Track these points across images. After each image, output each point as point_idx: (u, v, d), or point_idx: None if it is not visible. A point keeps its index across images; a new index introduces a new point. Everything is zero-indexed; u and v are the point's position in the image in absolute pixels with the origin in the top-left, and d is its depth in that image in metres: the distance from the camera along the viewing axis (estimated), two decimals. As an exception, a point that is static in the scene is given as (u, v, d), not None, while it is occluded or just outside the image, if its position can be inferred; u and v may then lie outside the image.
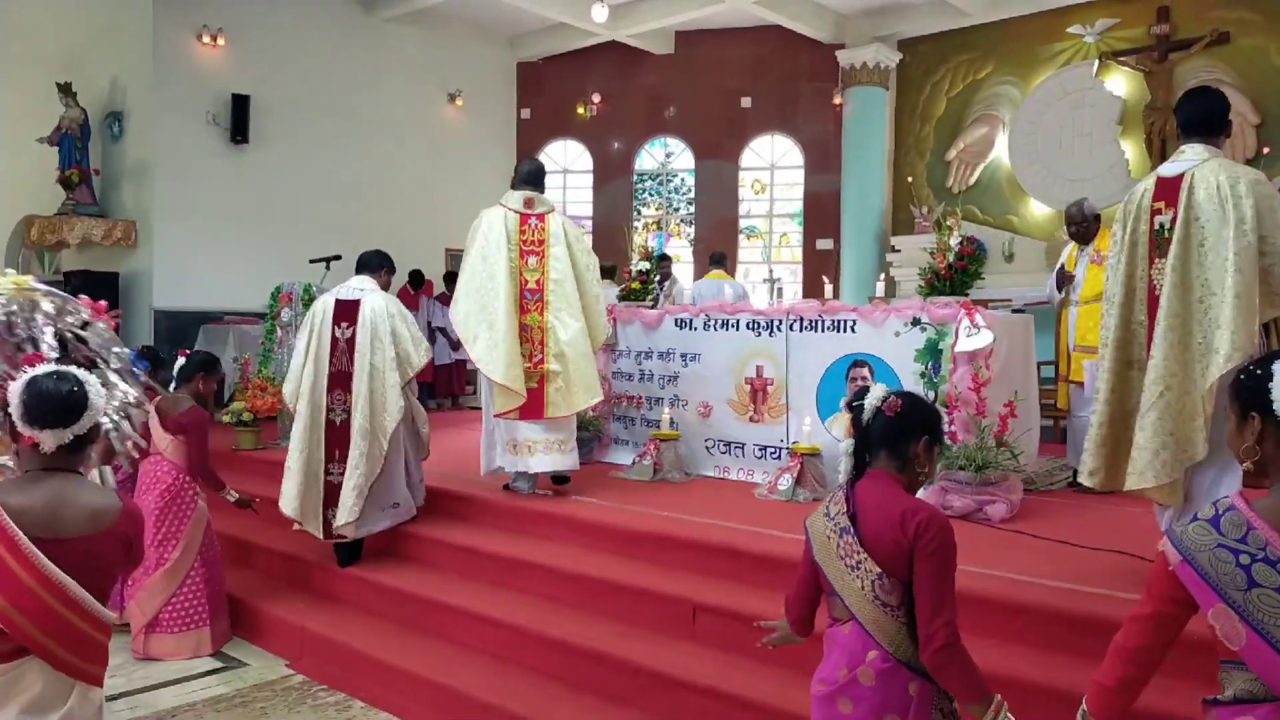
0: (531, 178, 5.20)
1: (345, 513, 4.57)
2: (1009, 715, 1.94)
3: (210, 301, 8.94)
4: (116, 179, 9.26)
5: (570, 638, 3.85)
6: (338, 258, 7.76)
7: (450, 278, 10.32)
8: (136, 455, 2.62)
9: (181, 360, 4.65)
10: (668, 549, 4.25)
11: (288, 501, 4.65)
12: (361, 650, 4.23)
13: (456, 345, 10.06)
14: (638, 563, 4.24)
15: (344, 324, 4.72)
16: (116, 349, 2.63)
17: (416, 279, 9.85)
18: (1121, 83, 9.40)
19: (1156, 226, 3.22)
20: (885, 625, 2.01)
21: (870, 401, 2.12)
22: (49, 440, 2.06)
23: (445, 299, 10.12)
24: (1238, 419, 1.65)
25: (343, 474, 4.59)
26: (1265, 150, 8.50)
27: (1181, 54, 9.01)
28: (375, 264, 5.03)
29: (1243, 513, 1.55)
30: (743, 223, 11.94)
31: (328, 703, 4.05)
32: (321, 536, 4.68)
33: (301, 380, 4.71)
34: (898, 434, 2.09)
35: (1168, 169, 3.26)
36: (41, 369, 2.14)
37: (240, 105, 9.34)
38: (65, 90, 8.95)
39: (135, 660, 4.45)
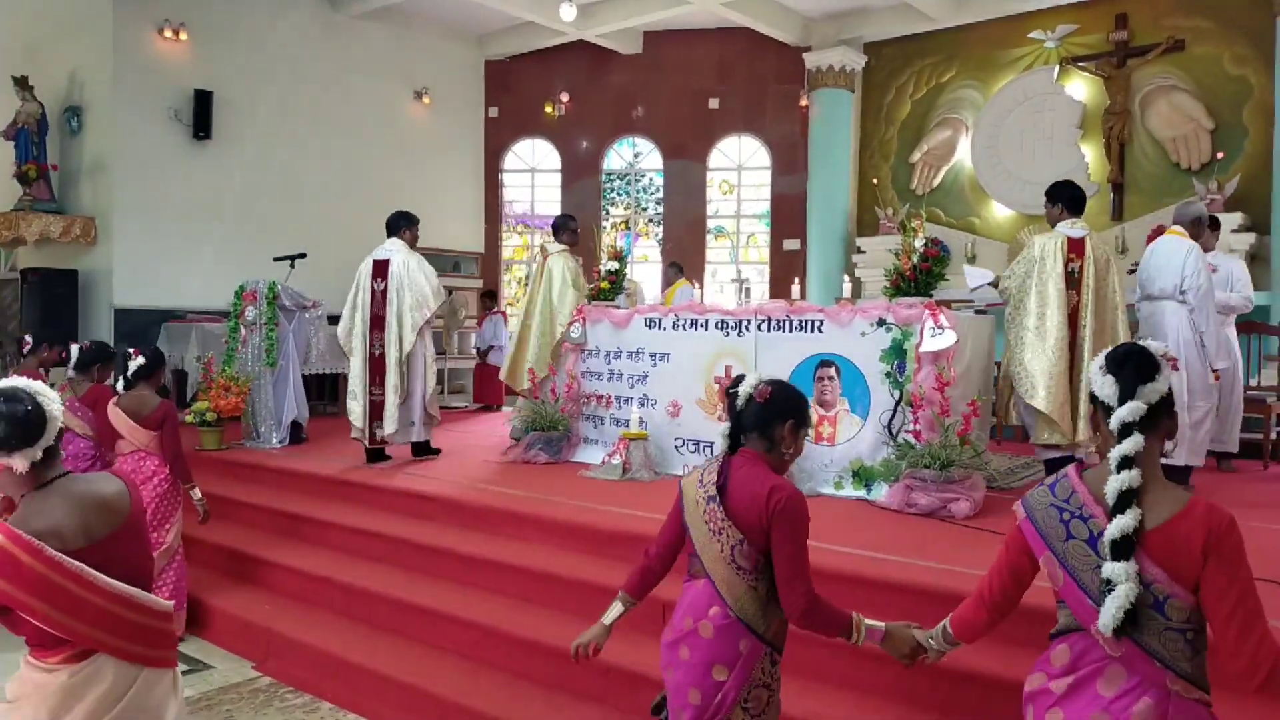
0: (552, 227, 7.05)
1: (389, 423, 5.99)
2: (866, 621, 2.25)
3: (172, 300, 8.79)
4: (75, 175, 9.07)
5: (541, 637, 3.85)
6: (302, 255, 7.68)
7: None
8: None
9: (140, 361, 4.57)
10: (637, 547, 4.25)
11: (355, 418, 6.07)
12: (329, 651, 4.20)
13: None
14: (607, 561, 4.24)
15: (379, 279, 6.17)
16: None
17: None
18: (1081, 87, 9.57)
19: (1070, 270, 4.95)
20: (735, 585, 2.24)
21: (744, 389, 2.35)
22: (20, 462, 2.04)
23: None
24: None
25: (383, 395, 6.02)
26: (1219, 155, 8.71)
27: (1139, 60, 9.20)
28: (398, 225, 6.37)
29: (1071, 479, 1.88)
30: (710, 223, 11.99)
31: (295, 704, 4.02)
32: (367, 444, 6.06)
33: (353, 324, 6.19)
34: (767, 418, 2.31)
35: (1074, 233, 5.01)
36: None
37: (203, 101, 9.19)
38: (21, 84, 8.75)
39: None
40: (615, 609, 2.50)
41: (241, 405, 6.77)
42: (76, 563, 1.97)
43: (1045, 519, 1.88)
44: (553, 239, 7.02)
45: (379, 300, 6.13)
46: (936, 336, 4.69)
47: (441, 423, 6.62)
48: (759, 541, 2.22)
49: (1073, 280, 4.94)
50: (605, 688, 3.59)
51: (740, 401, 2.34)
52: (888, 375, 4.88)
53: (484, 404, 10.18)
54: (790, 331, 5.32)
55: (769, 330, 5.41)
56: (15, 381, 2.12)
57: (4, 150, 8.79)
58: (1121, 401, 1.82)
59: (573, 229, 7.02)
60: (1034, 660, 1.98)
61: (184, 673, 4.34)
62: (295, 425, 7.09)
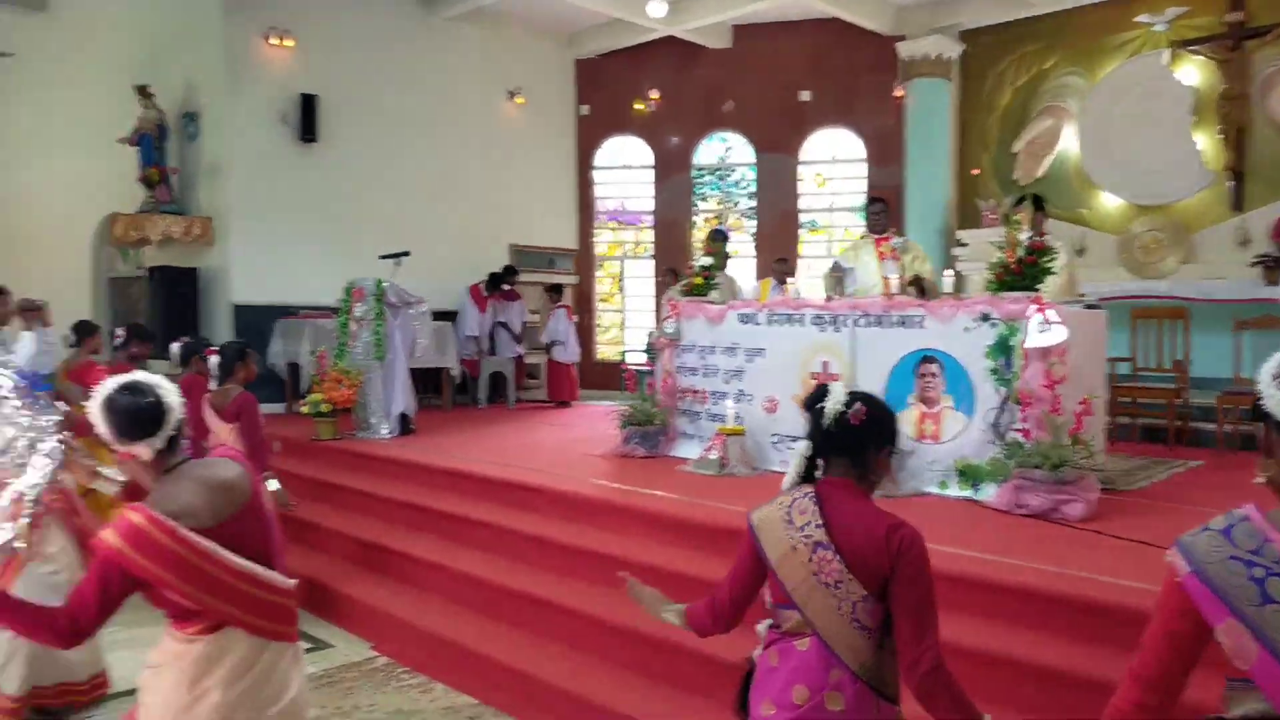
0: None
1: None
2: None
3: (286, 296, 9.18)
4: (193, 177, 9.56)
5: (643, 627, 3.91)
6: (406, 253, 7.95)
7: (509, 271, 10.50)
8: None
9: (214, 358, 4.80)
10: (737, 543, 4.30)
11: None
12: (440, 635, 4.37)
13: (519, 339, 10.27)
14: (705, 554, 4.29)
15: None
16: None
17: (493, 282, 10.10)
18: (1194, 72, 9.16)
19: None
20: (858, 646, 1.89)
21: (832, 406, 2.00)
22: (145, 451, 2.17)
23: (507, 295, 10.29)
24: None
25: None
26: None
27: (1257, 41, 8.75)
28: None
29: (1257, 524, 1.46)
30: (804, 216, 11.90)
31: (410, 684, 4.20)
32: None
33: None
34: (862, 442, 1.99)
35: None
36: (114, 383, 2.22)
37: (308, 104, 9.55)
38: (143, 92, 9.24)
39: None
40: (673, 617, 2.29)
41: (353, 397, 7.05)
42: (207, 541, 2.10)
43: (1223, 575, 1.44)
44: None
45: None
46: (1044, 332, 4.58)
47: (538, 416, 6.72)
48: (879, 591, 1.89)
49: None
50: (708, 680, 3.64)
51: (828, 421, 2.00)
52: (993, 372, 4.80)
53: (557, 399, 10.32)
54: (889, 327, 5.27)
55: (866, 325, 5.37)
56: (137, 375, 2.26)
57: (130, 156, 9.31)
58: None
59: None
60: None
61: (306, 650, 4.58)
62: (403, 417, 7.35)
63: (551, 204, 12.15)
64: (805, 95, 11.52)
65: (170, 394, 2.22)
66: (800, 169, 11.78)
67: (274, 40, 9.38)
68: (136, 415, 2.15)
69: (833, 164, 11.74)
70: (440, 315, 9.34)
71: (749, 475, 5.54)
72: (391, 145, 10.23)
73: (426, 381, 9.15)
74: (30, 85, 11.61)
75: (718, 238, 7.35)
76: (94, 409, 2.17)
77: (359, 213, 9.81)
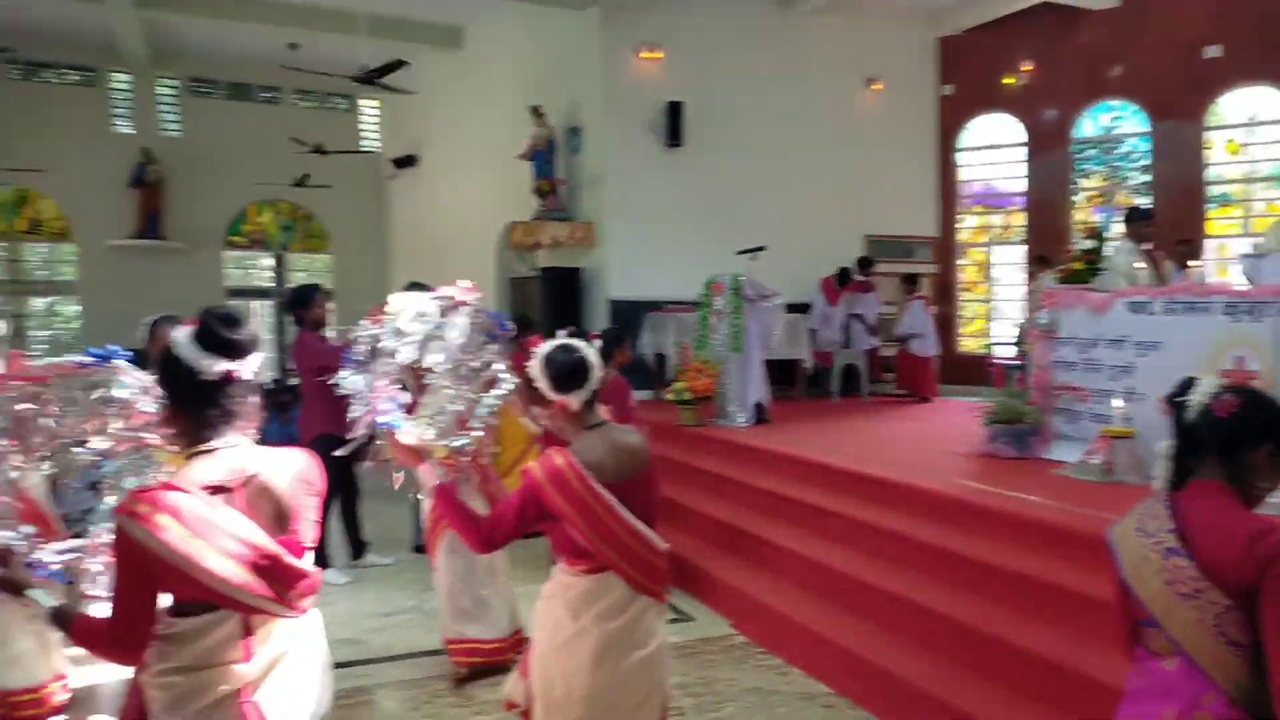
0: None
1: None
2: None
3: (654, 292, 9.86)
4: (578, 187, 10.60)
5: (1010, 637, 3.71)
6: (762, 248, 8.18)
7: (864, 263, 10.34)
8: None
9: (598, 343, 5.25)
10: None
11: None
12: (798, 621, 4.47)
13: (874, 331, 10.10)
14: (1084, 567, 3.93)
15: None
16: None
17: (844, 275, 10.06)
18: None
19: None
20: (1229, 665, 1.67)
21: (1197, 397, 1.80)
22: (574, 401, 2.53)
23: (862, 286, 10.16)
24: None
25: None
26: None
27: None
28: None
29: None
30: (1211, 190, 10.33)
31: (767, 665, 4.35)
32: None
33: None
34: (1234, 439, 1.76)
35: None
36: (551, 344, 2.62)
37: (674, 112, 10.13)
38: (536, 112, 10.43)
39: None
40: None
41: (713, 386, 7.42)
42: (608, 493, 2.44)
43: None
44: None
45: None
46: None
47: (893, 411, 6.57)
48: (1245, 603, 1.68)
49: None
50: (1064, 693, 3.37)
51: (1193, 415, 1.81)
52: None
53: (910, 393, 9.92)
54: (1328, 317, 4.43)
55: (1297, 315, 4.56)
56: (563, 339, 2.65)
57: (524, 170, 10.57)
58: None
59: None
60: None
61: (670, 620, 4.92)
62: (758, 406, 7.59)
63: (910, 191, 11.75)
64: (1213, 51, 9.97)
65: (594, 356, 2.59)
66: (1207, 135, 10.23)
67: (645, 54, 10.09)
68: (570, 368, 2.53)
69: (1251, 127, 10.05)
70: (794, 308, 9.46)
71: (1138, 484, 4.96)
72: (750, 144, 10.53)
73: (780, 372, 9.33)
74: (448, 115, 13.68)
75: (1137, 216, 6.45)
76: (535, 365, 2.57)
77: (719, 211, 10.23)
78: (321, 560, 5.90)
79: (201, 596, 1.76)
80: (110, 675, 2.62)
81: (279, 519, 1.86)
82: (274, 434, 4.59)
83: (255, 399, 1.93)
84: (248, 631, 1.81)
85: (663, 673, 2.59)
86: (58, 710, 3.10)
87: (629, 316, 9.52)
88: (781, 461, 6.20)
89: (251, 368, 1.89)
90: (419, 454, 2.81)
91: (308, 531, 1.91)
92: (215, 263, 15.40)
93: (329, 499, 5.95)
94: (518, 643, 4.12)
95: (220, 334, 1.84)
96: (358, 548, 6.07)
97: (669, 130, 10.16)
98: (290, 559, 1.82)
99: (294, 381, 6.89)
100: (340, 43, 11.96)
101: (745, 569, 5.22)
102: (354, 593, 5.48)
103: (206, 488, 1.80)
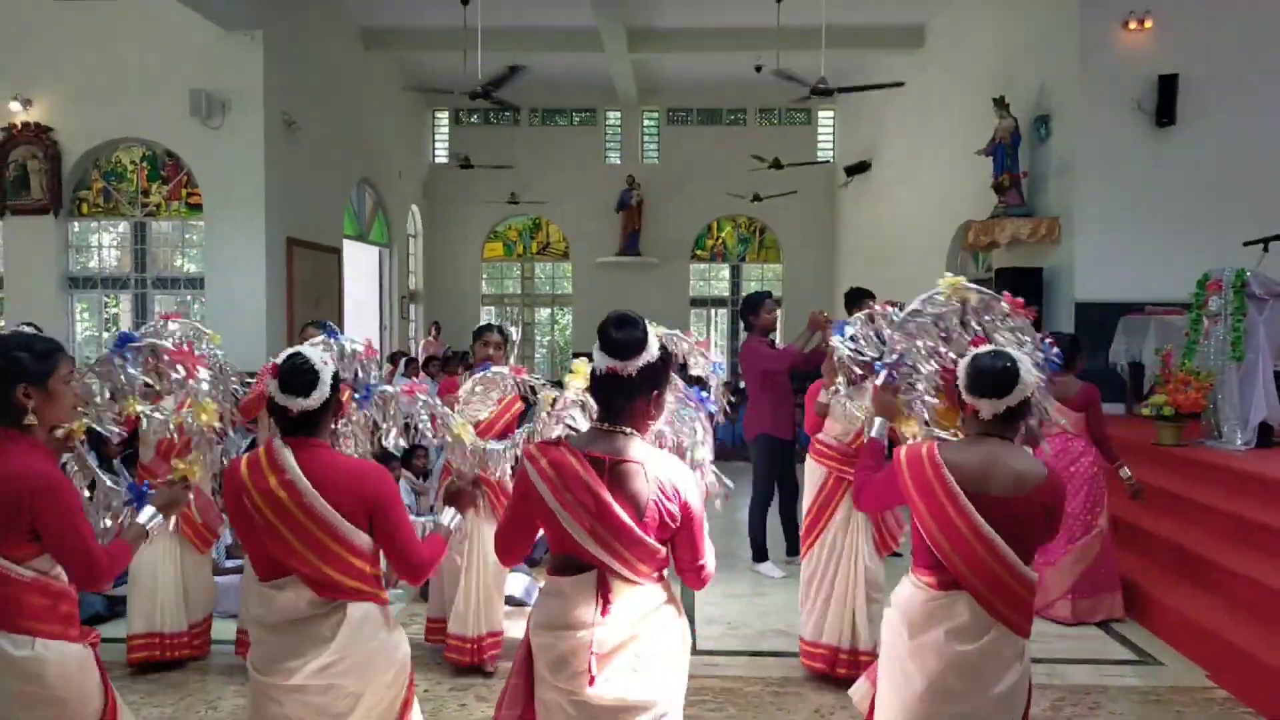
0: None
1: None
2: None
3: (1132, 293, 8.69)
4: (1042, 179, 9.76)
5: None
6: (1276, 238, 6.80)
7: None
8: None
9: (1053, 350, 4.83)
10: None
11: None
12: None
13: None
14: None
15: None
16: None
17: None
18: None
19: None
20: None
21: None
22: (986, 408, 2.35)
23: None
24: None
25: None
26: None
27: None
28: None
29: None
30: None
31: (1255, 731, 3.61)
32: None
33: None
34: None
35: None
36: (983, 349, 2.44)
37: (1167, 86, 8.86)
38: (999, 103, 9.81)
39: (1059, 626, 4.77)
40: None
41: (1202, 401, 6.34)
42: (966, 499, 2.26)
43: None
44: None
45: None
46: None
47: None
48: None
49: None
50: None
51: None
52: None
53: None
54: None
55: None
56: (1008, 348, 2.51)
57: (983, 166, 9.99)
58: None
59: None
60: None
61: (1132, 662, 4.32)
62: (1264, 426, 6.30)
63: None
64: None
65: (1027, 370, 2.38)
66: None
67: (1132, 25, 9.00)
68: (995, 375, 2.35)
69: None
70: None
71: None
72: (1260, 118, 8.83)
73: None
74: (907, 113, 13.47)
75: None
76: (962, 369, 2.44)
77: (1219, 197, 8.73)
78: (760, 553, 6.21)
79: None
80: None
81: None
82: (722, 433, 4.99)
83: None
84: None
85: (1019, 709, 2.31)
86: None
87: (1098, 320, 8.53)
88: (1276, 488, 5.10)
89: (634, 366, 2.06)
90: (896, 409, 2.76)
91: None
92: (682, 274, 17.36)
93: (769, 495, 6.26)
94: None
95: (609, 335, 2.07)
96: (793, 543, 6.26)
97: (1159, 108, 8.92)
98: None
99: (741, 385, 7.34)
100: (795, 60, 12.28)
101: (1221, 608, 4.40)
102: (787, 586, 5.64)
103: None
